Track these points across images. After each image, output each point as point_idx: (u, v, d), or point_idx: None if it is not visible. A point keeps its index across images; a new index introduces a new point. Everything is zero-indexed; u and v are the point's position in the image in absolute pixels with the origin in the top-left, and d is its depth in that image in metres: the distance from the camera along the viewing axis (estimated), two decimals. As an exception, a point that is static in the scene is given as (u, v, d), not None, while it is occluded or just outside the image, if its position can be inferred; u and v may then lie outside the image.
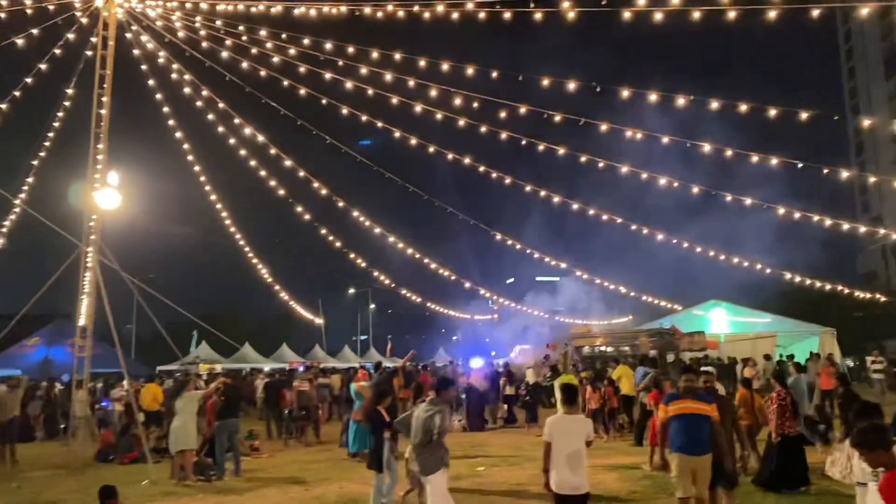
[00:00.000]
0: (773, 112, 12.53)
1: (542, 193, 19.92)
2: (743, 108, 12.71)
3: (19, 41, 15.90)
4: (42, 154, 18.54)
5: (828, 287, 28.83)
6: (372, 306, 74.34)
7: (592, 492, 10.16)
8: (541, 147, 16.65)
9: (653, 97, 12.92)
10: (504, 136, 16.24)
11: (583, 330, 35.39)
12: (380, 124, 17.76)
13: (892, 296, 39.08)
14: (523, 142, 16.55)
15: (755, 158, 15.32)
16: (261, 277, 26.08)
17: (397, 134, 18.04)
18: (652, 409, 13.55)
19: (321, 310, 39.40)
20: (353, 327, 76.96)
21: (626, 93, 13.06)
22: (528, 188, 19.91)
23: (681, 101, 12.73)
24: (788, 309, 37.34)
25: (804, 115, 12.42)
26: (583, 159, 16.88)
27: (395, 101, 16.14)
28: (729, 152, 15.22)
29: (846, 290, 30.93)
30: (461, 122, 16.16)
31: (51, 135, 18.13)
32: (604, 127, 15.02)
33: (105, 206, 14.83)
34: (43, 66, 16.72)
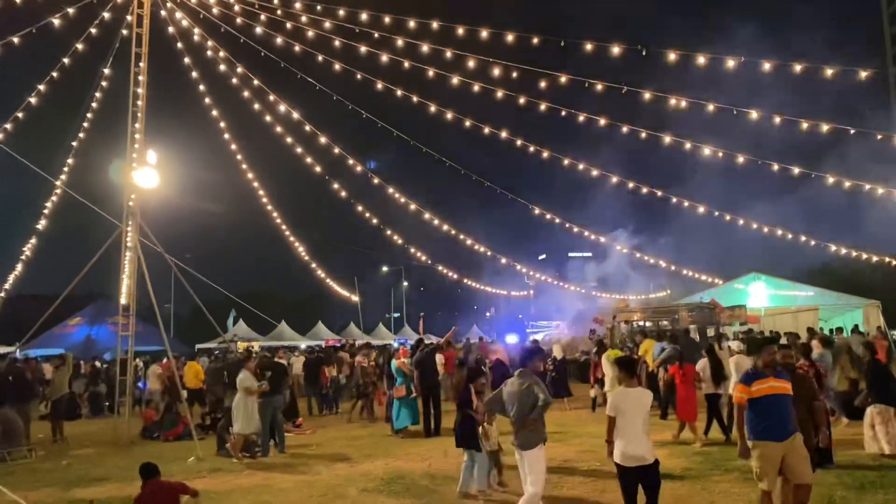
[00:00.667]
0: (829, 72, 12.03)
1: (581, 167, 19.58)
2: (797, 68, 12.22)
3: (56, 21, 15.88)
4: (81, 135, 18.64)
5: (874, 259, 28.08)
6: (405, 284, 74.50)
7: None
8: (581, 118, 16.28)
9: (701, 60, 12.46)
10: (543, 106, 15.88)
11: (621, 305, 34.99)
12: (415, 98, 17.53)
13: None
14: (563, 112, 16.21)
15: (805, 125, 14.80)
16: (297, 255, 26.17)
17: (433, 108, 17.79)
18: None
19: (357, 287, 39.42)
20: (387, 305, 77.29)
21: (672, 56, 12.61)
22: (565, 161, 19.58)
23: (731, 63, 12.26)
24: (831, 281, 36.49)
25: (863, 74, 11.90)
26: (624, 129, 16.49)
27: (431, 73, 15.86)
28: (777, 119, 14.72)
29: (894, 262, 30.05)
30: (499, 94, 15.85)
31: (89, 115, 18.20)
32: (647, 95, 14.59)
33: (144, 185, 14.83)
34: (80, 46, 16.72)
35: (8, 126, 18.04)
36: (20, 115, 17.96)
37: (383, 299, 76.74)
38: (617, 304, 34.49)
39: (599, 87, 14.55)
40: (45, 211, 20.53)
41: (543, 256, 72.77)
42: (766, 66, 12.43)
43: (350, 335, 46.62)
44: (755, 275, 37.23)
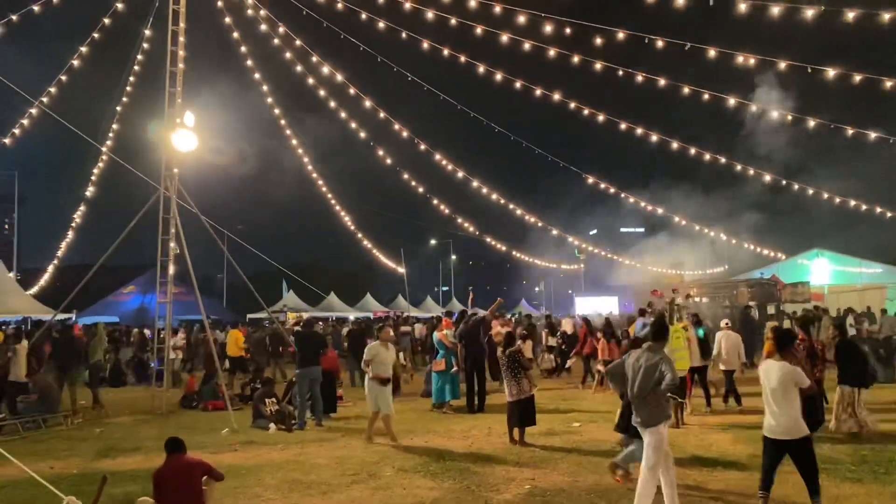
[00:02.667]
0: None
1: (639, 132, 18.53)
2: (885, 17, 10.97)
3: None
4: (125, 99, 18.32)
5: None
6: (454, 257, 74.03)
7: (704, 454, 9.14)
8: (639, 78, 15.25)
9: (774, 10, 11.31)
10: (598, 66, 14.88)
11: (675, 280, 33.80)
12: (463, 58, 16.68)
13: None
14: (619, 72, 15.18)
15: (889, 84, 13.50)
16: (345, 226, 25.80)
17: (482, 69, 16.93)
18: None
19: (403, 259, 39.00)
20: (435, 278, 77.09)
21: (742, 6, 11.46)
22: (622, 126, 18.55)
23: (809, 12, 11.09)
24: (902, 259, 34.58)
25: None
26: (685, 91, 15.40)
27: (479, 31, 14.99)
28: (858, 77, 13.45)
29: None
30: (551, 52, 14.90)
31: (132, 79, 17.84)
32: (712, 52, 13.48)
33: (181, 148, 14.39)
34: (119, 5, 16.31)
35: (52, 90, 17.85)
36: (63, 77, 17.72)
37: (432, 272, 76.54)
38: (671, 279, 33.36)
39: (660, 43, 13.51)
40: (93, 178, 20.45)
41: (594, 231, 71.20)
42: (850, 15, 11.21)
43: (398, 307, 46.41)
44: (818, 251, 35.62)
